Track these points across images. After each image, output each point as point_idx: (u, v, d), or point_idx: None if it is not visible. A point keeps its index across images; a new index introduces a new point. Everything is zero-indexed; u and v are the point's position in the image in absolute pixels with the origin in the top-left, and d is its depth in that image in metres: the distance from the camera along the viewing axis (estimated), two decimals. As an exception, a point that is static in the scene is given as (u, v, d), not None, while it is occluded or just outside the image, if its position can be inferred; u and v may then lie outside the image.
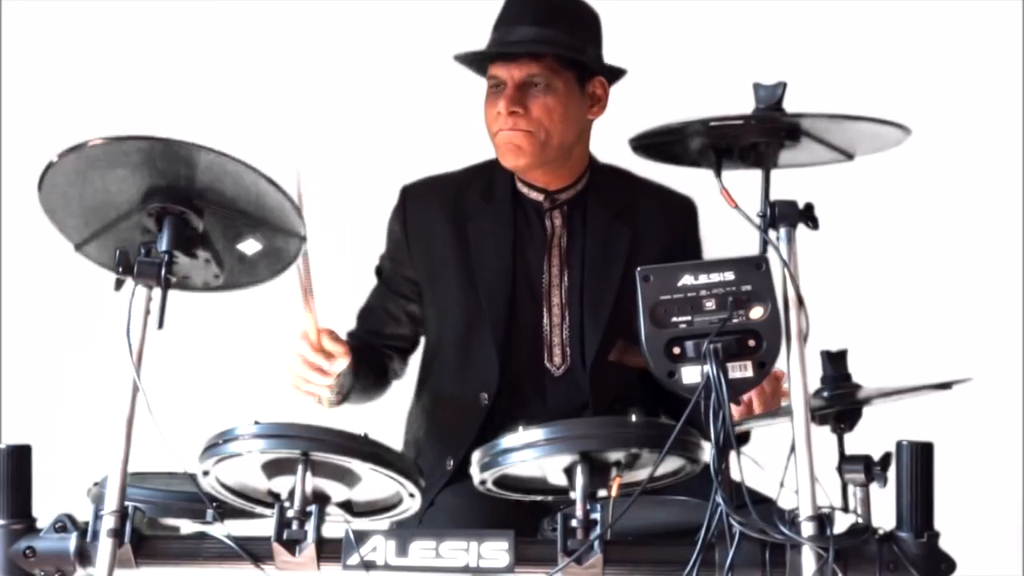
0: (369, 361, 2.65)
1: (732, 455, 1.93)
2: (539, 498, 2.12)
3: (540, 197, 2.66)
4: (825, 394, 2.09)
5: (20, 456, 2.11)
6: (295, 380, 2.51)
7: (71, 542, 2.04)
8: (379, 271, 2.78)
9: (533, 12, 2.57)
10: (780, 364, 1.99)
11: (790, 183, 2.09)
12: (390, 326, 2.74)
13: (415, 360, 2.79)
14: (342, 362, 2.48)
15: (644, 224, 2.68)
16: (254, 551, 2.03)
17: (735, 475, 1.95)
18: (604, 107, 2.64)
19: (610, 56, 2.64)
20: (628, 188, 2.70)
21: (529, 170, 2.63)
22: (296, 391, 2.53)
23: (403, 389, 2.80)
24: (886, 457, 2.01)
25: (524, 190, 2.67)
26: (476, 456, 2.05)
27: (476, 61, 2.62)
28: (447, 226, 2.67)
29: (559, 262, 2.66)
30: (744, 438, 2.43)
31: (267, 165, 2.06)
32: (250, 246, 2.15)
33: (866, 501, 2.02)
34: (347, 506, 2.09)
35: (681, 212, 2.73)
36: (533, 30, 2.56)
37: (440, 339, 2.70)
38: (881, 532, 1.99)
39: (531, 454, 1.98)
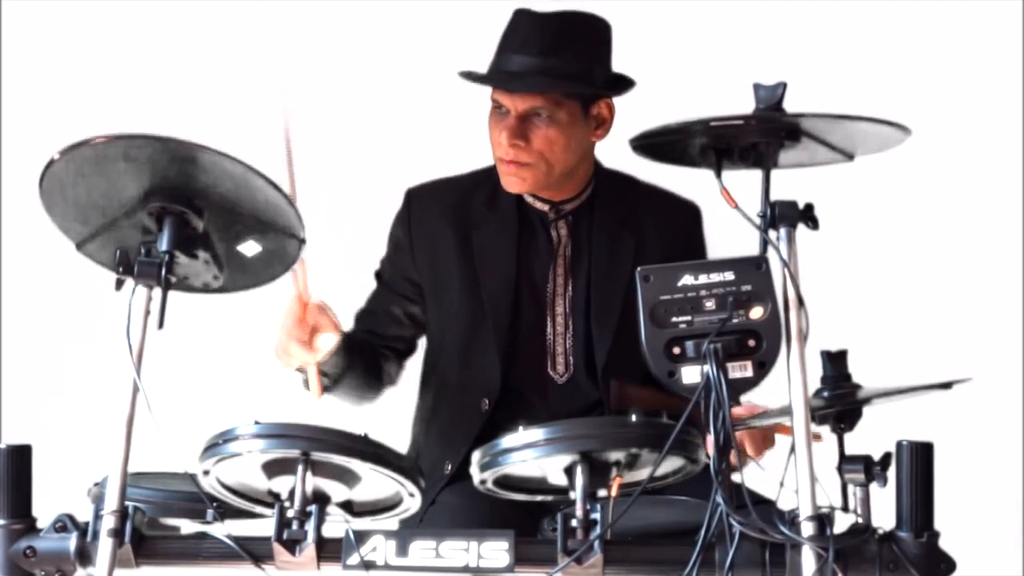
0: (363, 354, 2.63)
1: (732, 455, 1.93)
2: (539, 498, 2.12)
3: (545, 208, 2.66)
4: (825, 394, 2.09)
5: (20, 456, 2.11)
6: (279, 353, 2.43)
7: (71, 542, 2.04)
8: (379, 274, 2.76)
9: (540, 39, 2.52)
10: (780, 364, 1.99)
11: (790, 183, 2.09)
12: (391, 327, 2.72)
13: (415, 365, 2.79)
14: (329, 337, 2.42)
15: (648, 231, 2.67)
16: (254, 551, 2.03)
17: (735, 475, 1.95)
18: (609, 128, 2.61)
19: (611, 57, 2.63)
20: (632, 195, 2.69)
21: (531, 194, 2.64)
22: (280, 361, 2.46)
23: (405, 392, 2.80)
24: (886, 457, 2.01)
25: (529, 200, 2.66)
26: (476, 456, 2.05)
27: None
28: (451, 232, 2.67)
29: (564, 271, 2.65)
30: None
31: (265, 161, 2.06)
32: (250, 247, 2.15)
33: (866, 501, 2.01)
34: (347, 506, 2.09)
35: (685, 217, 2.73)
36: (537, 61, 2.51)
37: (443, 344, 2.69)
38: (881, 532, 1.99)
39: (531, 454, 1.98)
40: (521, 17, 2.56)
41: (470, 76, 2.56)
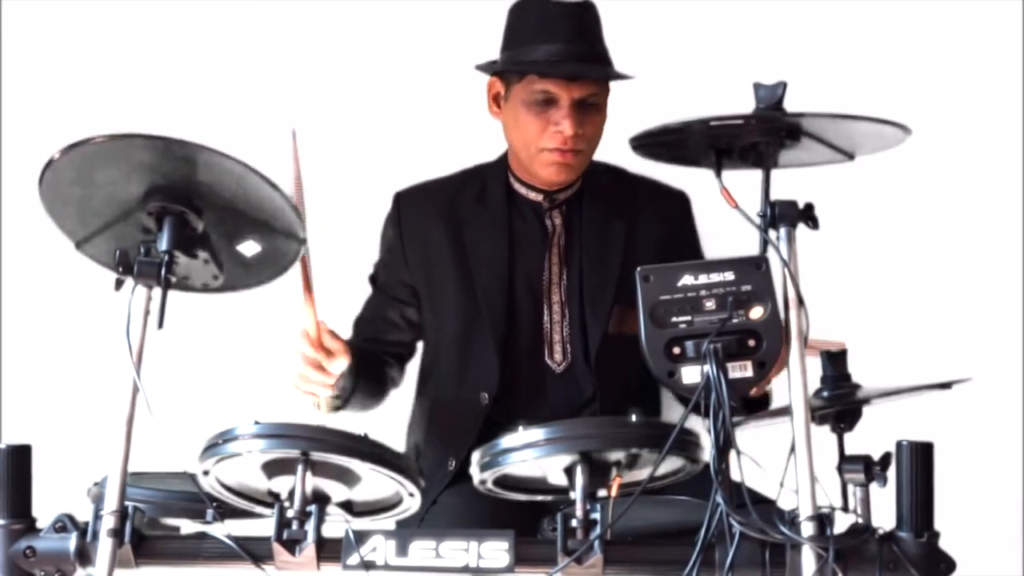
0: (368, 367, 2.64)
1: (732, 455, 1.92)
2: (539, 498, 2.12)
3: (539, 197, 2.67)
4: (825, 394, 2.09)
5: (20, 456, 2.11)
6: (295, 379, 2.48)
7: (71, 542, 2.04)
8: (373, 279, 2.77)
9: (579, 25, 2.54)
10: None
11: (790, 183, 2.09)
12: (389, 333, 2.73)
13: (414, 365, 2.79)
14: (342, 361, 2.45)
15: (639, 218, 2.69)
16: (254, 551, 2.03)
17: (735, 475, 1.95)
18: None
19: (611, 55, 2.64)
20: (622, 184, 2.72)
21: (526, 184, 2.65)
22: (296, 391, 2.51)
23: (405, 392, 2.80)
24: (886, 457, 2.01)
25: (522, 191, 2.68)
26: (476, 456, 2.05)
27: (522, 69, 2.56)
28: (442, 231, 2.68)
29: (559, 260, 2.67)
30: (765, 402, 2.44)
31: (264, 161, 2.06)
32: (249, 247, 2.15)
33: (866, 501, 2.02)
34: (347, 506, 2.10)
35: (675, 205, 2.75)
36: (586, 48, 2.53)
37: (439, 342, 2.70)
38: (881, 532, 1.99)
39: (531, 454, 1.98)
40: (545, 7, 2.55)
41: (527, 65, 2.53)
